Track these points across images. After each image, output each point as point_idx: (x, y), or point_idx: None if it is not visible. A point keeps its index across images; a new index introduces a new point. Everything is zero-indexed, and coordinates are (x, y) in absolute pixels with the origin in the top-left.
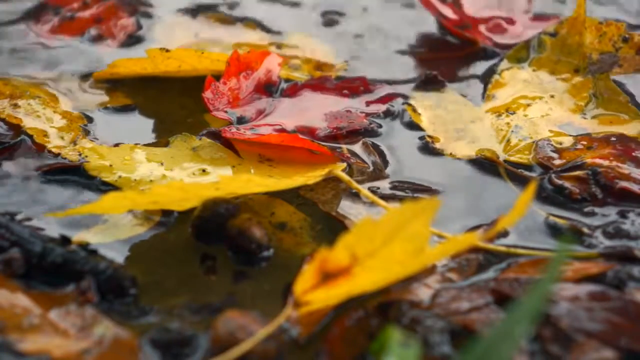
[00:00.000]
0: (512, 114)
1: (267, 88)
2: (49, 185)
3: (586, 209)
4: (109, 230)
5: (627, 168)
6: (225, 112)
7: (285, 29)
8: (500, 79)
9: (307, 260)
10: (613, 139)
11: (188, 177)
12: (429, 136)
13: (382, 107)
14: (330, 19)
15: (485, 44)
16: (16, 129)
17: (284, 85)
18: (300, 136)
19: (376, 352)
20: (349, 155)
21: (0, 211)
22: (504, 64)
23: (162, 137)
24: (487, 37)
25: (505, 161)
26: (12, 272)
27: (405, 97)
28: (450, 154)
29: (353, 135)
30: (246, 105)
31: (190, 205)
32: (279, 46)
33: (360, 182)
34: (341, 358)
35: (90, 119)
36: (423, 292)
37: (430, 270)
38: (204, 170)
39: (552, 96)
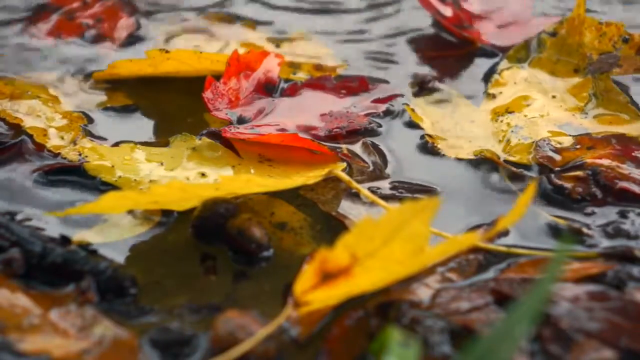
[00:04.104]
0: (512, 114)
1: (267, 88)
2: (49, 185)
3: (586, 209)
4: (109, 230)
5: (627, 168)
6: (226, 112)
7: (285, 28)
8: (500, 78)
9: (307, 260)
10: (613, 139)
11: (188, 178)
12: (429, 136)
13: (382, 107)
14: (329, 18)
15: (484, 43)
16: (16, 128)
17: (283, 85)
18: (301, 136)
19: (376, 352)
20: (349, 155)
21: (0, 211)
22: (504, 63)
23: (162, 137)
24: (487, 37)
25: (505, 161)
26: (12, 272)
27: (405, 96)
28: (450, 153)
29: (353, 135)
30: (246, 105)
31: (190, 205)
32: (279, 46)
33: (360, 182)
34: (341, 358)
35: (90, 119)
36: (423, 292)
37: (430, 270)
38: (203, 174)
39: (552, 96)
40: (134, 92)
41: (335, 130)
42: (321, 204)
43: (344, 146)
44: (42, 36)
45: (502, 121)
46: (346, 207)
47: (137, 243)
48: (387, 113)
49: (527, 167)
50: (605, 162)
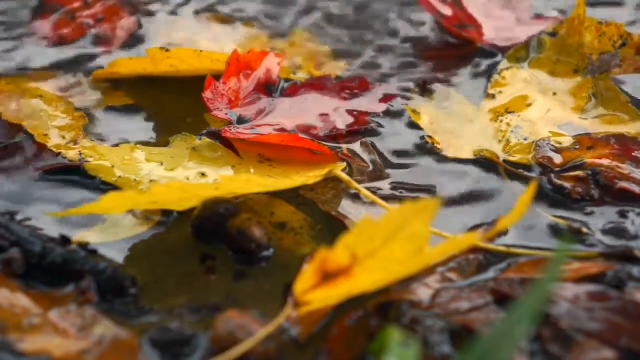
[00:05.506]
0: (511, 114)
1: (267, 88)
2: (49, 185)
3: (586, 209)
4: (109, 230)
5: (627, 168)
6: (226, 112)
7: (285, 28)
8: (499, 79)
9: (307, 260)
10: (613, 139)
11: (188, 178)
12: (429, 136)
13: (382, 107)
14: (329, 18)
15: (484, 43)
16: (17, 128)
17: (284, 85)
18: (301, 136)
19: (376, 352)
20: (349, 155)
21: (0, 211)
22: (504, 63)
23: (162, 137)
24: (487, 37)
25: (505, 161)
26: (12, 272)
27: (405, 97)
28: (450, 153)
29: (353, 135)
30: (246, 105)
31: (190, 205)
32: (279, 45)
33: (360, 182)
34: (341, 358)
35: (90, 119)
36: (423, 292)
37: (430, 270)
38: (203, 174)
39: (552, 96)
40: (134, 92)
41: (335, 130)
42: (321, 204)
43: (344, 146)
44: (42, 35)
45: (502, 121)
46: (346, 207)
47: (137, 243)
48: (387, 113)
49: (527, 167)
50: (605, 162)
